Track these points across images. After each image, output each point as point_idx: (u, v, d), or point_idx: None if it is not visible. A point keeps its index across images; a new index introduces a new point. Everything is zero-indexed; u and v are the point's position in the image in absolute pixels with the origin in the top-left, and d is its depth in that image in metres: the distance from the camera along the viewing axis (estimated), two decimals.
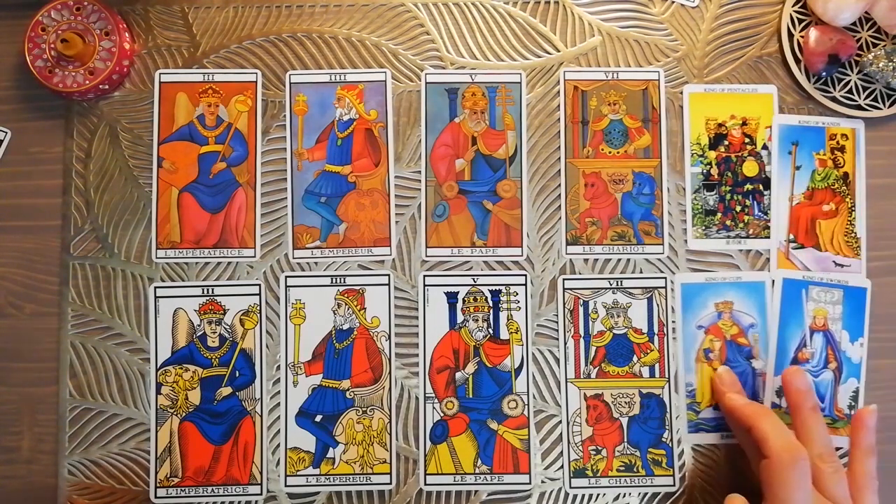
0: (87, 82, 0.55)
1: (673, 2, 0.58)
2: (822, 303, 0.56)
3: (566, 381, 0.55)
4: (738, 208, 0.57)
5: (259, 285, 0.56)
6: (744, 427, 0.50)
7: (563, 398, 0.55)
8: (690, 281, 0.56)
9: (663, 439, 0.55)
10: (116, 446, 0.55)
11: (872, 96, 0.57)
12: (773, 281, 0.56)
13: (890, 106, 0.56)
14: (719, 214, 0.57)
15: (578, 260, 0.56)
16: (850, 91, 0.57)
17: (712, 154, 0.57)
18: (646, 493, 0.55)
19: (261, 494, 0.54)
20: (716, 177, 0.57)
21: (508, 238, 0.56)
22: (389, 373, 0.55)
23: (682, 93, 0.57)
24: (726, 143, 0.57)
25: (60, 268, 0.56)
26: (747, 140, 0.57)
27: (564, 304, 0.56)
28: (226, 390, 0.55)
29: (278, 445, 0.55)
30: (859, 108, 0.56)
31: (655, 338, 0.56)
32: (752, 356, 0.55)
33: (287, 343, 0.55)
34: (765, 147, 0.57)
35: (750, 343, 0.56)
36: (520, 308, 0.56)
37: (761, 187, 0.57)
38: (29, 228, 0.56)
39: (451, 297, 0.56)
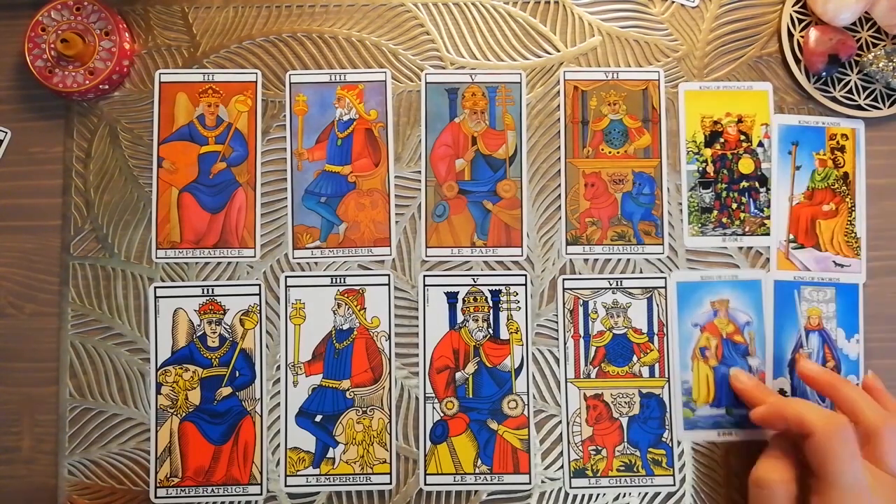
0: (87, 82, 0.55)
1: (673, 2, 0.58)
2: (815, 302, 0.56)
3: (566, 381, 0.55)
4: (734, 205, 0.57)
5: (259, 285, 0.56)
6: (781, 422, 0.49)
7: (563, 398, 0.55)
8: (686, 279, 0.56)
9: (663, 439, 0.55)
10: (116, 446, 0.55)
11: (872, 96, 0.57)
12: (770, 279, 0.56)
13: (890, 106, 0.56)
14: (715, 212, 0.57)
15: (578, 260, 0.56)
16: (850, 91, 0.57)
17: (708, 152, 0.57)
18: (646, 493, 0.55)
19: (261, 494, 0.54)
20: (712, 174, 0.57)
21: (508, 238, 0.56)
22: (389, 373, 0.55)
23: (678, 90, 0.57)
24: (722, 140, 0.57)
25: (60, 268, 0.56)
26: (743, 137, 0.57)
27: (564, 304, 0.56)
28: (226, 390, 0.55)
29: (278, 445, 0.55)
30: (859, 108, 0.56)
31: (655, 338, 0.56)
32: (749, 354, 0.56)
33: (287, 343, 0.55)
34: (760, 144, 0.57)
35: (746, 341, 0.56)
36: (520, 308, 0.56)
37: (757, 184, 0.57)
38: (29, 228, 0.56)
39: (451, 297, 0.56)
